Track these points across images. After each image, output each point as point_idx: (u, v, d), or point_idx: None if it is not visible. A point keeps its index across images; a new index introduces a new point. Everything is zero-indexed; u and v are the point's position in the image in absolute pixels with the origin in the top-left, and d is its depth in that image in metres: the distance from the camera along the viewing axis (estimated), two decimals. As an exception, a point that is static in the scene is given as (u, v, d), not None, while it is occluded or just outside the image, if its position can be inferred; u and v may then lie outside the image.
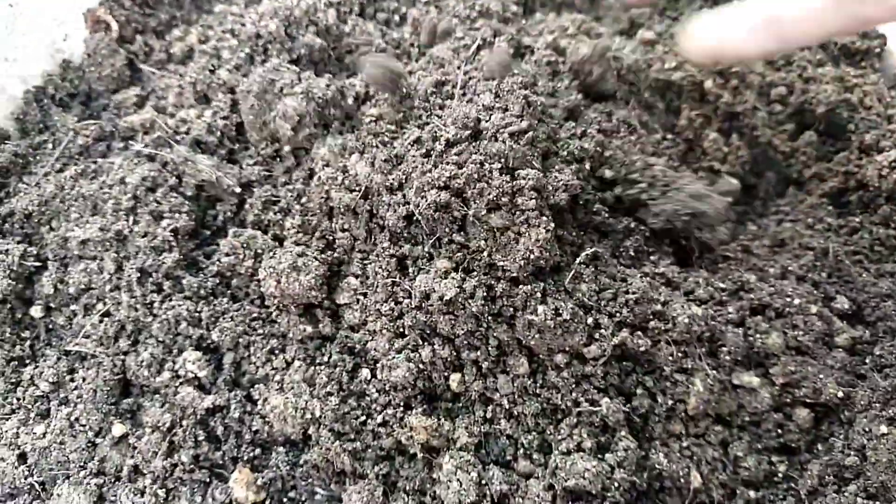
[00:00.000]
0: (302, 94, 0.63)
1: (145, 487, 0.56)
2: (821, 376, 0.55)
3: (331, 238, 0.61)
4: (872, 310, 0.61)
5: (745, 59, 0.59)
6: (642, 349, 0.53)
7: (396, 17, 0.79)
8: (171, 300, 0.59)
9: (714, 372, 0.54)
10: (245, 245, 0.60)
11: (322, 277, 0.57)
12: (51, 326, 0.64)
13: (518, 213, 0.52)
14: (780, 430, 0.55)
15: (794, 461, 0.55)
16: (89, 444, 0.58)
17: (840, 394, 0.55)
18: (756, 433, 0.55)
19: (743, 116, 0.74)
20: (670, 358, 0.53)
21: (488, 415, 0.54)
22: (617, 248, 0.60)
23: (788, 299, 0.59)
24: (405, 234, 0.57)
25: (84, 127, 0.72)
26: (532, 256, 0.51)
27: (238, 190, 0.63)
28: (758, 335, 0.57)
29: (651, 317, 0.54)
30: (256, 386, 0.57)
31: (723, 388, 0.54)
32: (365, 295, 0.58)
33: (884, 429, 0.53)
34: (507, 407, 0.54)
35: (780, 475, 0.54)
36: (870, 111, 0.75)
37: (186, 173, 0.64)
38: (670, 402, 0.53)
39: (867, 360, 0.58)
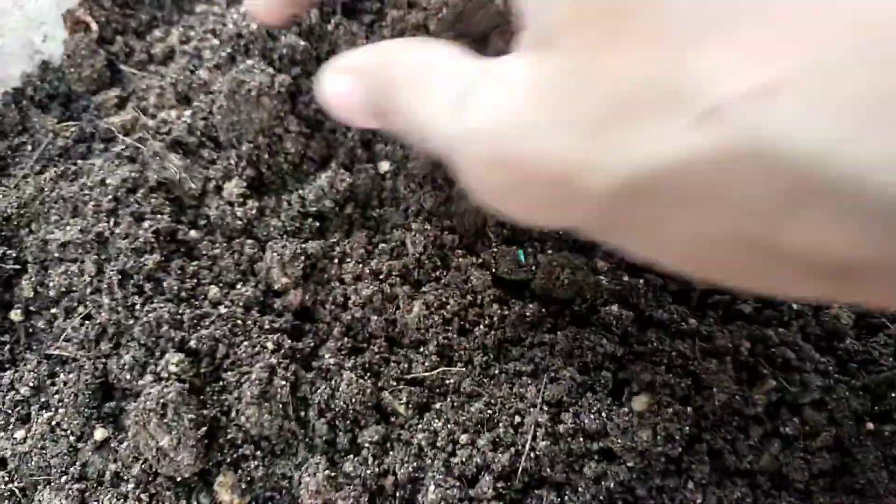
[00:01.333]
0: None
1: (128, 492, 0.55)
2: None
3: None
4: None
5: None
6: None
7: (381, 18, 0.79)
8: (152, 302, 0.59)
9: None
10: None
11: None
12: (31, 330, 0.63)
13: None
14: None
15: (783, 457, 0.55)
16: (71, 449, 0.57)
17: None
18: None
19: None
20: None
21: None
22: None
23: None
24: None
25: (64, 128, 0.71)
26: None
27: (198, 193, 0.63)
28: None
29: None
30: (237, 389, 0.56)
31: None
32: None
33: (871, 426, 0.53)
34: None
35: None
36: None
37: (152, 167, 0.63)
38: None
39: (853, 356, 0.59)
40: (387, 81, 0.38)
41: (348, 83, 0.41)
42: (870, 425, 0.54)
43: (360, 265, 0.61)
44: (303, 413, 0.56)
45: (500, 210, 0.35)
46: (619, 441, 0.50)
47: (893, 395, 0.55)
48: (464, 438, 0.54)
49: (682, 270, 0.33)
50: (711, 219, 0.28)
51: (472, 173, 0.34)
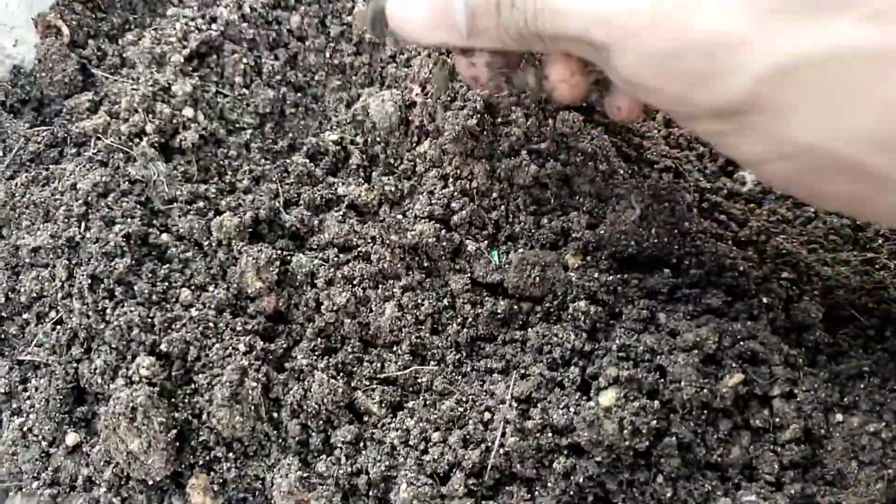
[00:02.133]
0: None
1: (100, 497, 0.55)
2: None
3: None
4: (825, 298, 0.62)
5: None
6: None
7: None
8: (123, 306, 0.59)
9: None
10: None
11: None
12: (2, 336, 0.63)
13: None
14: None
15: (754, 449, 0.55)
16: (43, 455, 0.57)
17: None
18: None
19: None
20: None
21: None
22: None
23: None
24: None
25: (35, 133, 0.71)
26: None
27: (166, 196, 0.63)
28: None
29: None
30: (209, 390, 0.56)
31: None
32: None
33: (839, 416, 0.54)
34: None
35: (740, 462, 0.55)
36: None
37: (127, 170, 0.63)
38: None
39: (822, 348, 0.59)
40: None
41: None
42: (839, 416, 0.54)
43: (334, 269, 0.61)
44: (275, 414, 0.56)
45: (645, 86, 0.37)
46: (586, 435, 0.50)
47: (862, 386, 0.55)
48: (436, 436, 0.54)
49: (795, 174, 0.35)
50: (852, 113, 0.30)
51: (628, 45, 0.36)
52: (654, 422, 0.51)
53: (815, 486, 0.53)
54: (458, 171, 0.65)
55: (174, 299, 0.60)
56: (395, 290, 0.61)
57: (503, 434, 0.52)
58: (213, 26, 0.73)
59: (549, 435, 0.51)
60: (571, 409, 0.51)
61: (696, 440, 0.54)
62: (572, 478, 0.51)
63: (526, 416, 0.53)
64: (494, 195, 0.64)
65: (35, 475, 0.57)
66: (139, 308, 0.58)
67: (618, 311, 0.59)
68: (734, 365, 0.55)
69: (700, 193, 0.71)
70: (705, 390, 0.53)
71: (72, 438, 0.57)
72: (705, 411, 0.54)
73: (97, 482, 0.55)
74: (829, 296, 0.63)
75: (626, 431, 0.50)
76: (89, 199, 0.62)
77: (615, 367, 0.52)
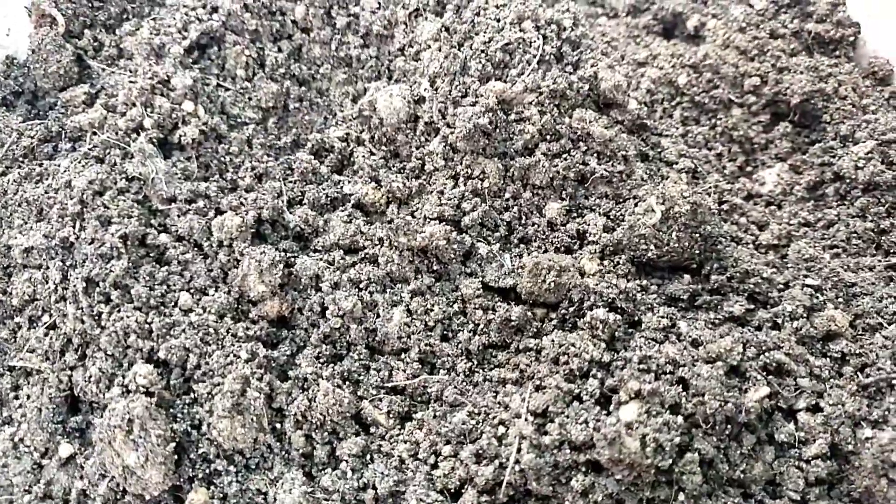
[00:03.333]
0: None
1: (95, 511, 0.53)
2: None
3: None
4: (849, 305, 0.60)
5: None
6: None
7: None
8: (119, 311, 0.56)
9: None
10: None
11: None
12: (-7, 340, 0.61)
13: None
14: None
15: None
16: (35, 466, 0.55)
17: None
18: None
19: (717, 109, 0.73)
20: None
21: None
22: None
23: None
24: None
25: (29, 127, 0.69)
26: None
27: (165, 195, 0.60)
28: None
29: None
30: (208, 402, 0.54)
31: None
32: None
33: (868, 432, 0.51)
34: None
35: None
36: (845, 101, 0.74)
37: (127, 158, 0.60)
38: None
39: (849, 359, 0.57)
40: None
41: None
42: (867, 431, 0.52)
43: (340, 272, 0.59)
44: (278, 425, 0.54)
45: None
46: (607, 452, 0.48)
47: (892, 399, 0.53)
48: (446, 450, 0.52)
49: None
50: None
51: None
52: (678, 438, 0.48)
53: (842, 501, 0.52)
54: (470, 170, 0.62)
55: (173, 303, 0.57)
56: (403, 294, 0.58)
57: (519, 450, 0.50)
58: (215, 16, 0.71)
59: (567, 451, 0.49)
60: (591, 425, 0.49)
61: (718, 456, 0.51)
62: (591, 496, 0.49)
63: (543, 431, 0.50)
64: (507, 195, 0.62)
65: (27, 488, 0.54)
66: (136, 313, 0.56)
67: (637, 319, 0.57)
68: (759, 377, 0.53)
69: (719, 195, 0.69)
70: (730, 404, 0.51)
71: (65, 450, 0.55)
72: (729, 426, 0.52)
73: (92, 496, 0.53)
74: (852, 302, 0.61)
75: (648, 449, 0.47)
76: (84, 197, 0.60)
77: (636, 380, 0.50)
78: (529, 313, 0.58)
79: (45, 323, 0.58)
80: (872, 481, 0.51)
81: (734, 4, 0.83)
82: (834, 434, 0.53)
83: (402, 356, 0.57)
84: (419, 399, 0.56)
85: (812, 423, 0.53)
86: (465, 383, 0.56)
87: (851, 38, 0.80)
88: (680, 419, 0.49)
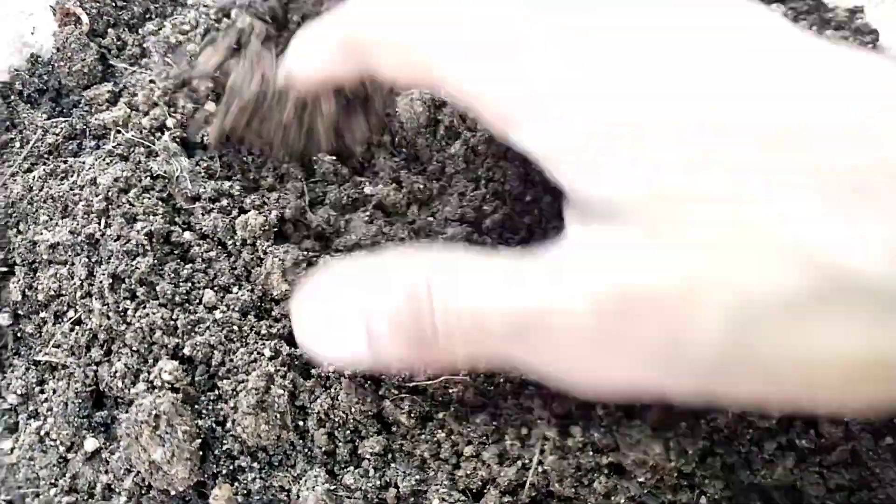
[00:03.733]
0: None
1: (120, 506, 0.53)
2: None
3: None
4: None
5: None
6: None
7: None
8: (145, 307, 0.56)
9: None
10: None
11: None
12: (19, 335, 0.61)
13: None
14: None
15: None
16: (60, 460, 0.55)
17: None
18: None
19: None
20: None
21: None
22: None
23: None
24: None
25: (54, 125, 0.69)
26: None
27: (190, 194, 0.61)
28: None
29: None
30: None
31: None
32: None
33: (889, 439, 0.52)
34: None
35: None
36: (864, 108, 0.74)
37: (151, 156, 0.61)
38: None
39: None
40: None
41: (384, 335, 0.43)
42: (889, 439, 0.52)
43: None
44: (301, 423, 0.54)
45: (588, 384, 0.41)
46: (631, 455, 0.48)
47: (913, 406, 0.53)
48: (468, 450, 0.52)
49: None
50: None
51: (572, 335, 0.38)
52: (701, 442, 0.49)
53: (862, 508, 0.52)
54: (491, 174, 0.63)
55: (197, 301, 0.58)
56: None
57: (542, 451, 0.50)
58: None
59: (590, 453, 0.49)
60: (614, 428, 0.49)
61: (739, 461, 0.52)
62: (613, 498, 0.49)
63: (566, 433, 0.51)
64: (528, 198, 0.62)
65: (52, 481, 0.55)
66: (161, 309, 0.56)
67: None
68: (781, 382, 0.53)
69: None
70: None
71: (91, 444, 0.55)
72: (750, 430, 0.52)
73: (117, 490, 0.54)
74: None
75: (672, 452, 0.48)
76: (110, 194, 0.60)
77: None
78: None
79: (70, 318, 0.58)
80: (894, 490, 0.51)
81: (753, 11, 0.83)
82: (855, 442, 0.53)
83: None
84: (440, 399, 0.56)
85: (833, 430, 0.53)
86: (486, 384, 0.56)
87: (870, 46, 0.81)
88: (703, 423, 0.50)
